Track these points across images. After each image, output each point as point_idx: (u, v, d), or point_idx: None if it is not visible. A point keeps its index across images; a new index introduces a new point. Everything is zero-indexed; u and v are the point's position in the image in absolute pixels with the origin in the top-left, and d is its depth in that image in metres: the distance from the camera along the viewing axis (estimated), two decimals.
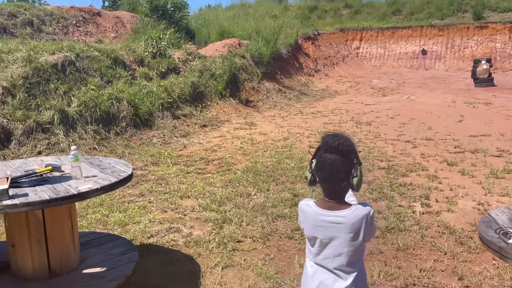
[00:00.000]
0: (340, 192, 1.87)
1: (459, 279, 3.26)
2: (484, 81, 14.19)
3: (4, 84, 6.63)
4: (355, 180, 1.82)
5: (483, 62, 14.39)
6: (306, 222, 1.92)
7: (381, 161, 6.46)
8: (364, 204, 1.88)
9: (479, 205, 4.67)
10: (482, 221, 2.17)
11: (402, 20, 22.29)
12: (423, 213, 4.49)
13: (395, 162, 6.39)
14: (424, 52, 19.52)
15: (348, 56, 19.96)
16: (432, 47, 19.63)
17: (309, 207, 1.91)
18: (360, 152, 1.91)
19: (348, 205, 1.87)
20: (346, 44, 20.67)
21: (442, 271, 3.38)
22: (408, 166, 6.14)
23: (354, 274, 1.86)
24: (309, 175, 1.92)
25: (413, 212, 4.53)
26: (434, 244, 3.80)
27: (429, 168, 6.07)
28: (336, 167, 1.80)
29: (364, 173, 5.95)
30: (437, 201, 4.82)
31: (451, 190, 5.18)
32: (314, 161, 1.89)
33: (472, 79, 14.55)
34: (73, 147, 2.89)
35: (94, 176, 2.94)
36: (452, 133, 8.19)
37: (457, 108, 10.73)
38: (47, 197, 2.50)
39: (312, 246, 1.92)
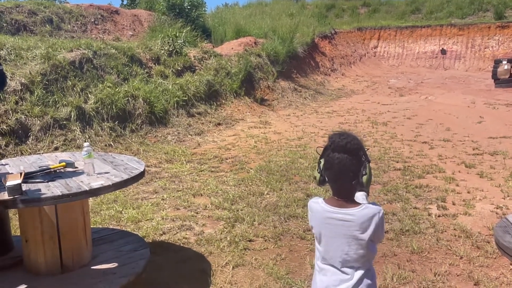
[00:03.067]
0: (349, 190, 1.85)
1: (474, 284, 3.18)
2: (505, 81, 13.86)
3: (22, 81, 6.74)
4: (364, 178, 1.80)
5: (504, 62, 14.06)
6: (315, 219, 1.92)
7: (397, 162, 6.36)
8: (374, 204, 1.86)
9: (497, 208, 4.56)
10: (499, 226, 2.10)
11: (421, 19, 21.94)
12: (439, 216, 4.40)
13: (411, 163, 6.29)
14: (443, 51, 19.19)
15: (365, 55, 19.75)
16: (451, 46, 19.27)
17: (317, 205, 1.90)
18: (368, 149, 1.89)
19: (357, 203, 1.85)
20: (363, 43, 20.45)
21: (457, 276, 3.30)
22: (425, 168, 6.03)
23: (362, 272, 1.84)
24: (317, 175, 1.91)
25: (429, 214, 4.44)
26: (449, 248, 3.71)
27: (446, 170, 5.95)
28: (345, 166, 1.79)
29: (379, 174, 5.87)
30: (453, 204, 4.72)
31: (468, 192, 5.07)
32: (322, 161, 1.88)
33: (493, 80, 14.24)
34: (85, 144, 2.91)
35: (107, 172, 2.95)
36: (471, 134, 8.01)
37: (477, 109, 10.51)
38: (59, 193, 2.52)
39: (320, 244, 1.92)
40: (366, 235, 1.80)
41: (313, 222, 1.93)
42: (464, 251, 3.64)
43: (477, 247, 3.72)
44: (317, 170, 1.91)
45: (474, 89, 13.88)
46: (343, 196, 1.85)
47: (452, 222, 4.25)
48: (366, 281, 1.86)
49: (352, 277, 1.85)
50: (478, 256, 3.57)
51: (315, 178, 1.94)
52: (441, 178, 5.60)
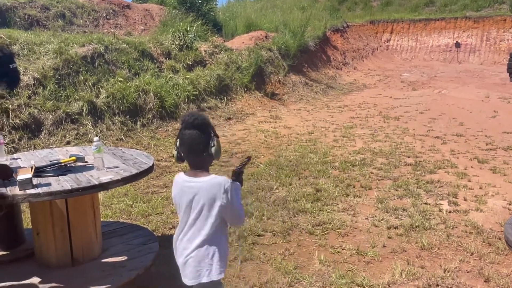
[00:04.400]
0: (201, 162, 2.08)
1: (485, 281, 3.14)
2: None
3: (35, 75, 6.82)
4: (213, 149, 2.04)
5: None
6: (175, 189, 2.14)
7: (408, 157, 6.30)
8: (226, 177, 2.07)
9: (509, 204, 4.50)
10: (509, 223, 2.07)
11: (435, 11, 21.59)
12: (450, 212, 4.36)
13: (423, 158, 6.23)
14: (457, 45, 18.87)
15: (377, 49, 19.54)
16: (466, 39, 18.95)
17: (179, 177, 2.14)
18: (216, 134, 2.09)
19: (209, 173, 2.09)
20: (376, 36, 20.22)
21: (467, 272, 3.27)
22: (437, 163, 5.96)
23: (202, 239, 2.03)
24: (175, 153, 2.13)
25: (440, 210, 4.40)
26: (460, 244, 3.68)
27: (458, 165, 5.88)
28: (194, 141, 2.02)
29: (390, 170, 5.83)
30: (465, 200, 4.67)
31: (480, 188, 5.00)
32: (178, 140, 2.10)
33: (508, 73, 13.98)
34: (95, 138, 2.94)
35: (116, 167, 2.98)
36: (484, 129, 7.90)
37: (491, 103, 10.34)
38: (69, 187, 2.55)
39: (179, 213, 2.14)
40: (213, 202, 2.01)
41: (174, 192, 2.15)
42: (475, 247, 3.60)
43: (488, 243, 3.68)
44: (175, 148, 2.12)
45: (489, 83, 13.65)
46: (197, 167, 2.08)
47: (464, 218, 4.21)
48: (210, 249, 2.05)
49: (195, 244, 2.05)
50: (489, 252, 3.53)
51: (173, 156, 2.15)
52: (453, 173, 5.53)
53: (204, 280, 2.06)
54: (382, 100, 11.42)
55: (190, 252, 2.06)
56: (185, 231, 2.09)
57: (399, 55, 19.76)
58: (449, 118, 8.93)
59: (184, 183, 2.09)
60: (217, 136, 2.08)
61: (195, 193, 2.04)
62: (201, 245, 2.05)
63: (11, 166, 2.82)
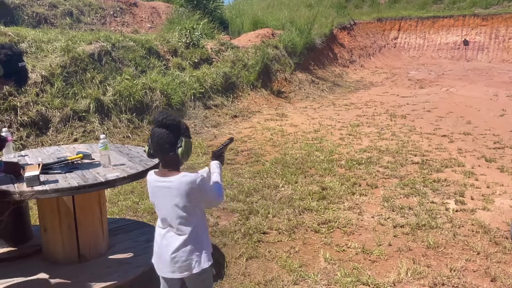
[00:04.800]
0: (170, 161, 2.10)
1: (491, 281, 3.13)
2: None
3: (43, 73, 6.86)
4: (179, 150, 2.05)
5: None
6: (149, 189, 2.18)
7: (415, 155, 6.27)
8: (196, 173, 2.12)
9: None
10: None
11: (443, 9, 21.41)
12: (456, 211, 4.33)
13: (430, 157, 6.19)
14: (466, 42, 18.72)
15: (385, 47, 19.43)
16: (474, 37, 18.79)
17: (150, 176, 2.17)
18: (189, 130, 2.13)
19: (179, 172, 2.09)
20: (383, 34, 20.11)
21: (473, 272, 3.25)
22: (444, 162, 5.93)
23: (185, 237, 2.09)
24: (147, 149, 2.16)
25: (446, 209, 4.38)
26: (466, 243, 3.66)
27: (465, 164, 5.84)
28: (162, 139, 2.05)
29: (396, 168, 5.80)
30: (472, 199, 4.64)
31: (488, 187, 4.97)
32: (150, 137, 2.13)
33: None
34: (102, 136, 2.96)
35: (122, 164, 3.00)
36: (492, 127, 7.84)
37: (499, 102, 10.25)
38: (76, 184, 2.57)
39: (157, 211, 2.18)
40: (186, 200, 2.04)
41: (149, 192, 2.18)
42: (482, 246, 3.58)
43: (495, 243, 3.66)
44: (147, 144, 2.15)
45: (497, 81, 13.53)
46: (167, 166, 2.11)
47: (470, 217, 4.18)
48: (197, 242, 2.10)
49: (181, 240, 2.08)
50: (495, 252, 3.51)
51: (145, 151, 2.19)
52: (460, 172, 5.50)
53: (195, 270, 2.11)
54: (389, 98, 11.37)
55: (176, 248, 2.09)
56: (167, 229, 2.13)
57: (406, 53, 19.64)
58: (456, 116, 8.87)
59: (155, 184, 2.12)
60: (189, 137, 2.09)
61: (167, 193, 2.06)
62: (187, 241, 2.09)
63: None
